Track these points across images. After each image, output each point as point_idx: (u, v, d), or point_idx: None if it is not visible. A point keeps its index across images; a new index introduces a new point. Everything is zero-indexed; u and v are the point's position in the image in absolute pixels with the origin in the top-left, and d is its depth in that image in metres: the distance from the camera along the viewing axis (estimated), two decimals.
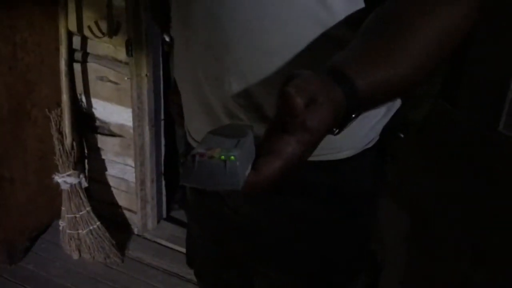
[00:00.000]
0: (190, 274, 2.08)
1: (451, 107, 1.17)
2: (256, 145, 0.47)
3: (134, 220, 2.33)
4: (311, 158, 0.49)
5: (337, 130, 0.51)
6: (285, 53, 0.69)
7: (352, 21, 0.66)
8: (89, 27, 1.93)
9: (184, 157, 0.45)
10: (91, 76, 2.08)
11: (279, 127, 0.45)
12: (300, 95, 0.44)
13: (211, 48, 0.73)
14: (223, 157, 0.43)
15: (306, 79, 0.46)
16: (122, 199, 2.33)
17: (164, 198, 2.37)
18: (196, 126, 0.88)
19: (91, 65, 2.06)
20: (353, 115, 0.51)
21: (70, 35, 1.98)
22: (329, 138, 0.50)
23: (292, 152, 0.45)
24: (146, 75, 1.95)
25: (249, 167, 0.45)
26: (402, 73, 0.56)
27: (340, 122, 0.50)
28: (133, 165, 2.17)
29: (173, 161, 2.43)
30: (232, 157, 0.43)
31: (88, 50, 2.03)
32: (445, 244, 1.27)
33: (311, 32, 0.67)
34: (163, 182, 2.32)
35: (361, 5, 0.66)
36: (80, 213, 2.07)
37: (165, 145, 2.25)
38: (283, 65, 0.69)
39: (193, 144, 0.92)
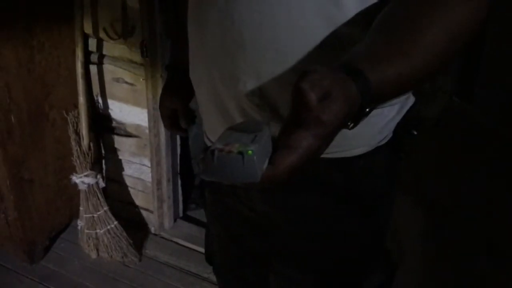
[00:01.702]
0: (206, 272, 2.11)
1: (466, 104, 1.17)
2: (273, 141, 0.49)
3: (151, 219, 2.36)
4: (325, 155, 0.50)
5: (352, 124, 0.52)
6: (298, 52, 0.70)
7: (364, 18, 0.66)
8: (104, 29, 1.95)
9: (204, 153, 0.46)
10: (107, 78, 2.10)
11: (295, 122, 0.47)
12: (314, 90, 0.45)
13: (225, 48, 0.74)
14: (241, 151, 0.44)
15: (320, 74, 0.47)
16: (138, 199, 2.35)
17: (180, 197, 2.39)
18: (211, 126, 0.90)
19: (107, 67, 2.08)
20: (367, 109, 0.52)
21: (86, 37, 2.01)
22: (343, 135, 0.51)
23: (308, 146, 0.46)
24: (161, 76, 1.96)
25: (266, 161, 0.47)
26: (414, 66, 0.56)
27: (354, 116, 0.51)
28: (149, 165, 2.20)
29: (188, 161, 2.45)
30: (250, 151, 0.44)
31: (104, 52, 2.06)
32: (461, 242, 1.26)
33: (323, 31, 0.68)
34: (179, 182, 2.34)
35: (374, 1, 0.67)
36: (98, 212, 2.10)
37: (180, 145, 2.27)
38: (296, 64, 0.70)
39: (209, 144, 0.93)
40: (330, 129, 0.47)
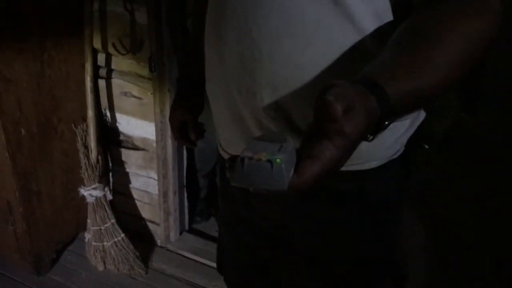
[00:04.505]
0: (212, 285, 2.12)
1: (471, 118, 1.19)
2: (296, 150, 0.51)
3: (157, 232, 2.37)
4: (341, 168, 0.52)
5: (371, 137, 0.54)
6: (315, 68, 0.72)
7: (379, 35, 0.69)
8: (113, 44, 1.98)
9: (231, 161, 0.49)
10: (115, 92, 2.13)
11: (318, 133, 0.49)
12: (339, 102, 0.47)
13: (244, 63, 0.76)
14: (269, 159, 0.47)
15: (344, 88, 0.49)
16: (145, 211, 2.37)
17: (186, 210, 2.41)
18: (227, 138, 0.92)
19: (115, 81, 2.11)
20: (386, 122, 0.54)
21: (95, 52, 2.04)
22: (358, 149, 0.53)
23: (331, 156, 0.48)
24: (169, 90, 1.99)
25: (292, 170, 0.49)
26: (430, 82, 0.59)
27: (373, 128, 0.53)
28: (156, 177, 2.21)
29: (194, 174, 2.47)
30: (278, 160, 0.46)
31: (112, 67, 2.09)
32: (466, 255, 1.27)
33: (340, 47, 0.71)
34: (185, 195, 2.36)
35: (389, 19, 0.70)
36: (105, 225, 2.12)
37: (187, 158, 2.29)
38: (312, 79, 0.72)
39: (224, 155, 0.95)
40: (352, 141, 0.49)
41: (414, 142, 0.85)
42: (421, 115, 0.85)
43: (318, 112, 0.48)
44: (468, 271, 1.27)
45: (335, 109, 0.47)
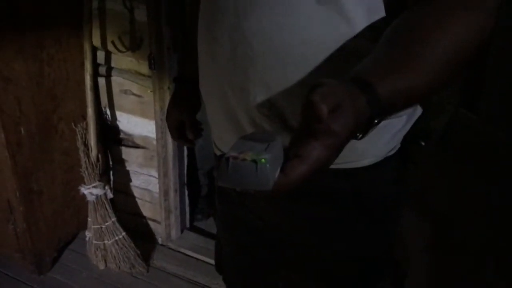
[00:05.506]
0: (213, 283, 2.11)
1: (471, 115, 1.18)
2: (284, 150, 0.50)
3: (158, 230, 2.37)
4: (335, 166, 0.51)
5: (361, 135, 0.53)
6: (307, 65, 0.71)
7: (372, 32, 0.68)
8: (112, 42, 1.97)
9: (219, 161, 0.49)
10: (115, 90, 2.13)
11: (305, 132, 0.48)
12: (325, 102, 0.46)
13: (236, 62, 0.76)
14: (254, 159, 0.46)
15: (331, 87, 0.48)
16: (146, 210, 2.37)
17: (187, 208, 2.40)
18: (221, 136, 0.91)
19: (115, 79, 2.10)
20: (376, 121, 0.53)
21: (94, 50, 2.03)
22: (351, 147, 0.52)
23: (318, 156, 0.48)
24: (169, 87, 1.98)
25: (278, 170, 0.48)
26: (421, 80, 0.58)
27: (363, 127, 0.53)
28: (156, 176, 2.21)
29: (195, 171, 2.47)
30: (263, 160, 0.46)
31: (112, 65, 2.08)
32: (468, 253, 1.26)
33: (332, 44, 0.70)
34: (186, 192, 2.35)
35: (381, 15, 0.68)
36: (106, 223, 2.12)
37: (187, 156, 2.28)
38: (305, 76, 0.71)
39: (219, 153, 0.94)
40: (340, 140, 0.48)
41: (410, 138, 0.84)
42: (417, 111, 0.84)
43: (305, 112, 0.47)
44: (468, 271, 1.26)
45: (320, 110, 0.46)
